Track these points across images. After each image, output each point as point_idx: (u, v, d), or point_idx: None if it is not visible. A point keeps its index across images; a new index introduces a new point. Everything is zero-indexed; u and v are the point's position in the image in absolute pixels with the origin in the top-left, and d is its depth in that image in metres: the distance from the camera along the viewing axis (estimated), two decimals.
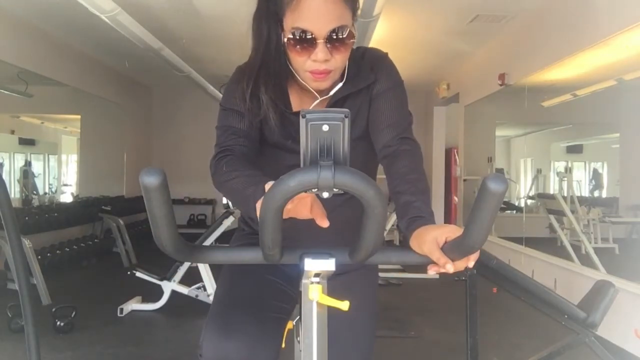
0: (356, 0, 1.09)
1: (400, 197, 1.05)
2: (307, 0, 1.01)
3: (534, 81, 5.06)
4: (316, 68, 1.06)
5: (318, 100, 1.17)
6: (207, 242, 4.14)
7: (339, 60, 1.07)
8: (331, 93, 1.16)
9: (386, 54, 1.25)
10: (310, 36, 1.02)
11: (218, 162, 1.11)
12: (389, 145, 1.15)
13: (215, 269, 3.90)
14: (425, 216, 1.00)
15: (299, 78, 1.12)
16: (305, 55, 1.05)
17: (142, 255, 6.34)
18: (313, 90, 1.14)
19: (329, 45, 1.04)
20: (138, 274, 4.21)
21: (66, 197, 7.93)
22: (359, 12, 1.11)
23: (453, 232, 0.88)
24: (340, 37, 1.04)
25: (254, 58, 1.13)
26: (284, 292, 1.26)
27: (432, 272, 0.93)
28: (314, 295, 0.91)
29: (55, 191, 8.02)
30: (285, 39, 1.05)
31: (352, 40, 1.07)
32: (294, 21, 1.03)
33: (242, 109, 1.16)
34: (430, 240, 0.90)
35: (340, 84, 1.16)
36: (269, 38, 1.08)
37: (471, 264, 0.90)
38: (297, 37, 1.03)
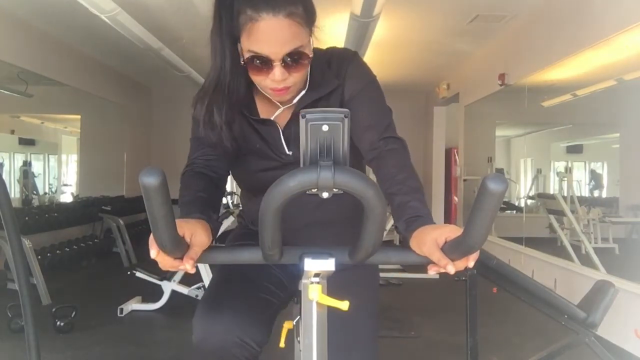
0: (311, 15, 1.08)
1: (394, 198, 1.05)
2: (261, 25, 1.01)
3: (534, 81, 5.06)
4: (275, 86, 1.08)
5: (281, 109, 1.19)
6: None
7: (297, 77, 1.09)
8: (294, 102, 1.18)
9: (354, 53, 1.24)
10: (266, 59, 1.04)
11: (182, 178, 1.17)
12: (374, 147, 1.15)
13: (214, 267, 3.90)
14: (423, 215, 1.00)
15: (261, 90, 1.14)
16: (263, 75, 1.07)
17: (142, 255, 6.33)
18: (276, 102, 1.17)
19: (285, 66, 1.05)
20: (138, 274, 4.21)
21: (66, 197, 7.93)
22: (315, 24, 1.10)
23: (453, 232, 0.88)
24: (296, 58, 1.05)
25: (211, 78, 1.15)
26: (277, 278, 1.27)
27: (432, 272, 0.93)
28: (314, 295, 0.91)
29: (55, 191, 8.02)
30: (244, 60, 1.07)
31: (308, 59, 1.08)
32: (249, 44, 1.04)
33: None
34: (430, 241, 0.90)
35: (303, 92, 1.17)
36: (223, 57, 1.11)
37: (471, 264, 0.90)
38: (254, 59, 1.05)
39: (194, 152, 1.21)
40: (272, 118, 1.21)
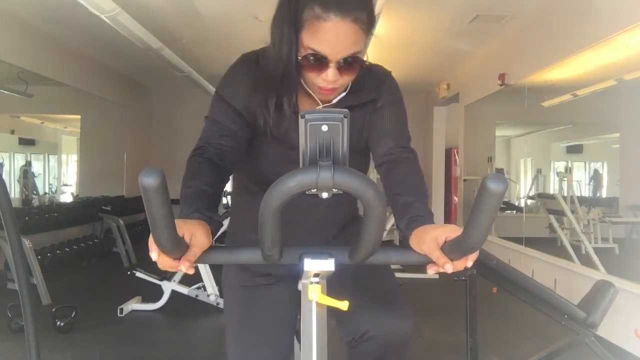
0: (373, 23, 1.10)
1: (399, 198, 1.07)
2: (327, 25, 1.01)
3: (534, 81, 5.06)
4: (325, 85, 1.09)
5: (321, 107, 1.20)
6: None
7: (347, 80, 1.12)
8: (334, 102, 1.19)
9: (390, 72, 1.30)
10: (323, 58, 1.05)
11: (189, 161, 1.12)
12: (389, 153, 1.19)
13: (215, 269, 3.90)
14: (424, 216, 1.01)
15: (304, 84, 1.15)
16: (316, 72, 1.08)
17: (142, 255, 6.33)
18: (317, 99, 1.18)
19: (339, 68, 1.06)
20: (138, 274, 4.20)
21: (66, 197, 7.93)
22: (373, 30, 1.12)
23: (453, 231, 0.89)
24: (352, 62, 1.07)
25: (274, 66, 1.12)
26: (287, 305, 1.30)
27: (431, 272, 0.94)
28: (314, 295, 0.91)
29: (55, 191, 8.03)
30: (300, 55, 1.07)
31: (361, 65, 1.10)
32: (310, 41, 1.04)
33: (239, 106, 1.16)
34: (430, 239, 0.90)
35: (344, 94, 1.18)
36: (290, 50, 1.09)
37: (470, 264, 0.90)
38: (311, 57, 1.05)
39: (208, 135, 1.16)
40: None
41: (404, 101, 1.28)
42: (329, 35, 1.02)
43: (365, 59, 1.11)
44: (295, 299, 1.26)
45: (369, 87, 1.22)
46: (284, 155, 1.19)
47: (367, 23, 1.06)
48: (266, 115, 1.16)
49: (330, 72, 1.06)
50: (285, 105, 1.16)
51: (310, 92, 1.15)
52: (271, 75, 1.14)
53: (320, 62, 1.05)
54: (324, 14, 1.01)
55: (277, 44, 1.10)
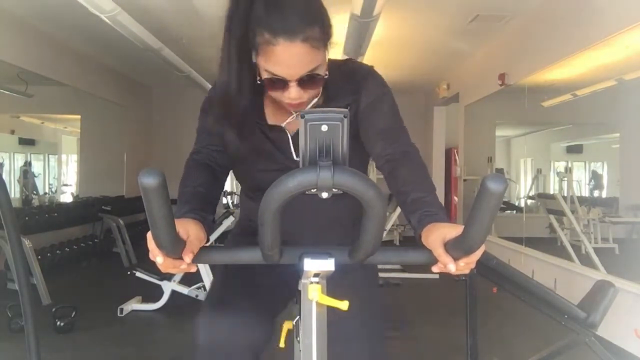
0: (328, 33, 1.09)
1: (409, 194, 1.06)
2: (278, 49, 1.02)
3: (534, 81, 5.06)
4: (290, 102, 1.11)
5: (293, 116, 1.21)
6: (207, 243, 4.14)
7: (313, 93, 1.12)
8: (309, 107, 1.18)
9: (370, 67, 1.27)
10: (282, 80, 1.06)
11: (186, 164, 1.19)
12: (389, 152, 1.16)
13: (215, 269, 3.90)
14: (437, 212, 1.00)
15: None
16: (279, 91, 1.09)
17: (142, 255, 6.33)
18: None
19: (301, 85, 1.07)
20: (138, 274, 4.20)
21: (66, 197, 7.93)
22: (331, 40, 1.11)
23: (457, 231, 0.89)
24: (312, 78, 1.08)
25: (219, 90, 1.15)
26: (278, 277, 1.26)
27: (435, 271, 0.94)
28: (314, 295, 0.91)
29: (55, 191, 8.03)
30: (260, 78, 1.09)
31: (323, 78, 1.10)
32: (266, 65, 1.05)
33: (220, 118, 1.20)
34: (436, 237, 0.91)
35: (315, 100, 1.18)
36: (231, 72, 1.10)
37: (473, 265, 0.90)
38: (271, 79, 1.07)
39: (200, 141, 1.23)
40: (282, 125, 1.22)
41: (391, 93, 1.25)
42: (281, 59, 1.03)
43: (324, 72, 1.10)
44: (285, 288, 1.26)
45: (345, 90, 1.21)
46: (260, 166, 1.24)
47: (321, 37, 1.06)
48: (231, 139, 1.19)
49: (292, 91, 1.07)
50: (252, 117, 1.19)
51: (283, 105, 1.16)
52: (214, 98, 1.17)
53: (280, 82, 1.07)
54: (273, 38, 1.01)
55: (221, 67, 1.12)
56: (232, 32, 1.07)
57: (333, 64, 1.18)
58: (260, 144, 1.23)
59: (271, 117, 1.23)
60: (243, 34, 1.06)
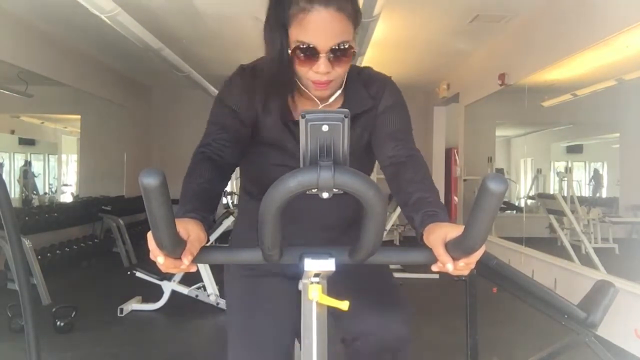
0: (358, 16, 1.13)
1: (412, 194, 1.08)
2: (312, 16, 1.05)
3: (534, 81, 5.06)
4: (318, 79, 1.11)
5: (321, 107, 1.21)
6: (207, 243, 4.14)
7: (340, 71, 1.13)
8: (330, 100, 1.20)
9: (389, 77, 1.31)
10: (313, 50, 1.07)
11: (193, 157, 1.17)
12: (396, 154, 1.20)
13: (215, 269, 3.90)
14: (439, 213, 1.02)
15: (300, 85, 1.17)
16: (307, 66, 1.10)
17: (142, 255, 6.33)
18: (315, 98, 1.19)
19: (330, 58, 1.08)
20: (138, 274, 4.21)
21: (66, 197, 7.93)
22: (359, 27, 1.15)
23: (458, 231, 0.89)
24: (342, 51, 1.09)
25: (269, 67, 1.16)
26: (289, 305, 1.28)
27: (435, 269, 0.94)
28: (314, 295, 0.91)
29: (55, 191, 8.03)
30: (290, 50, 1.10)
31: (352, 53, 1.12)
32: (298, 34, 1.07)
33: (238, 108, 1.21)
34: (437, 237, 0.92)
35: (339, 92, 1.20)
36: (281, 48, 1.12)
37: (473, 265, 0.90)
38: (301, 50, 1.08)
39: (209, 133, 1.21)
40: None
41: (406, 104, 1.29)
42: (315, 25, 1.05)
43: (355, 53, 1.12)
44: (295, 294, 1.27)
45: (364, 96, 1.24)
46: (277, 160, 1.24)
47: (352, 14, 1.09)
48: (261, 118, 1.21)
49: (322, 63, 1.08)
50: (277, 108, 1.20)
51: (308, 92, 1.17)
52: (266, 78, 1.18)
53: (310, 53, 1.07)
54: (309, 5, 1.05)
55: (269, 46, 1.14)
56: (275, 6, 1.10)
57: (353, 69, 1.21)
58: (283, 138, 1.23)
59: (297, 114, 1.23)
60: (282, 7, 1.08)
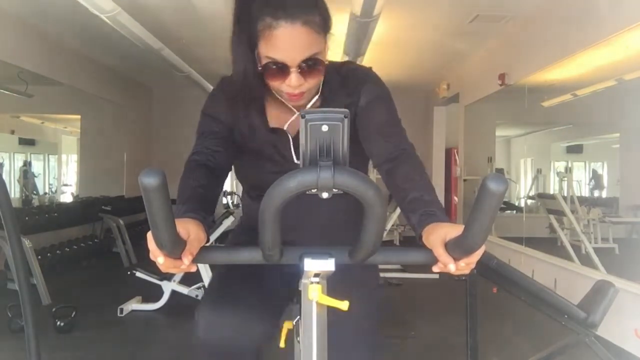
0: (327, 23, 1.12)
1: (409, 193, 1.06)
2: (279, 32, 1.04)
3: (534, 81, 5.06)
4: (291, 91, 1.11)
5: (296, 115, 1.22)
6: (207, 243, 4.14)
7: (313, 82, 1.13)
8: (307, 107, 1.20)
9: (369, 69, 1.29)
10: (283, 65, 1.07)
11: (186, 165, 1.19)
12: (387, 151, 1.18)
13: (216, 265, 3.90)
14: (437, 212, 1.01)
15: (277, 95, 1.18)
16: (279, 80, 1.10)
17: (142, 255, 6.33)
18: (291, 107, 1.20)
19: (301, 72, 1.08)
20: (138, 274, 4.20)
21: (66, 197, 7.94)
22: (330, 31, 1.14)
23: (458, 231, 0.89)
24: (312, 64, 1.08)
25: (235, 81, 1.18)
26: (280, 273, 1.25)
27: (436, 270, 0.94)
28: (314, 295, 0.91)
29: (55, 191, 8.03)
30: (260, 66, 1.10)
31: (323, 65, 1.12)
32: (267, 51, 1.07)
33: (224, 119, 1.24)
34: (437, 237, 0.91)
35: (316, 97, 1.20)
36: (245, 67, 1.13)
37: (473, 265, 0.90)
38: (271, 66, 1.08)
39: (200, 142, 1.23)
40: (284, 128, 1.24)
41: (389, 93, 1.26)
42: (282, 41, 1.05)
43: (324, 60, 1.12)
44: (286, 287, 1.27)
45: (345, 92, 1.23)
46: (262, 168, 1.26)
47: (321, 24, 1.08)
48: (242, 129, 1.24)
49: (293, 77, 1.08)
50: (254, 119, 1.22)
51: (282, 100, 1.18)
52: (236, 93, 1.19)
53: (280, 69, 1.08)
54: (274, 22, 1.04)
55: (234, 62, 1.15)
56: (239, 22, 1.11)
57: (331, 67, 1.19)
58: (261, 146, 1.25)
59: (273, 120, 1.25)
60: (247, 23, 1.08)
